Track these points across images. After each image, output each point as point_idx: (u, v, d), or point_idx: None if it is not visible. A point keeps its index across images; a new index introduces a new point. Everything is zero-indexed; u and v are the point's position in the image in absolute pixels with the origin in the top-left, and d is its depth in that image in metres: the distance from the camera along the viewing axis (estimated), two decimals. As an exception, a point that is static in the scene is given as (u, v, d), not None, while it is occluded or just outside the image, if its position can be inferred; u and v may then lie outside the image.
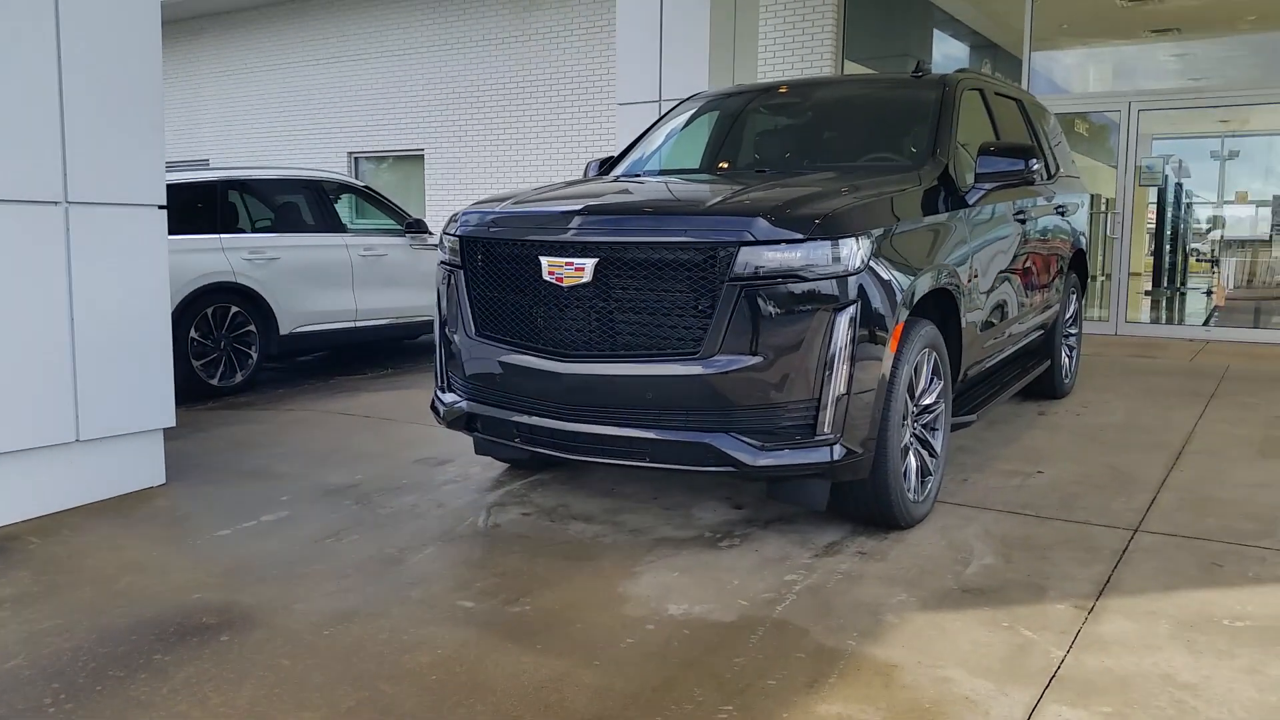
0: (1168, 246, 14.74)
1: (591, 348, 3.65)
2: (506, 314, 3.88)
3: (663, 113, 6.08)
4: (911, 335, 3.80)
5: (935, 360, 4.06)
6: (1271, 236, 12.66)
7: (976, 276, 4.52)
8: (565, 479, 4.68)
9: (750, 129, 5.44)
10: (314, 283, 7.96)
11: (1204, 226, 16.23)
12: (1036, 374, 5.81)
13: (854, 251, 3.49)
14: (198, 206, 7.70)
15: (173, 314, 7.16)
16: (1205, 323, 11.80)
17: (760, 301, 3.42)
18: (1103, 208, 11.15)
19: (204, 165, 16.65)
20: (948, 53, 13.21)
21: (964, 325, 4.33)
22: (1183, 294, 14.63)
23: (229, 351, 7.51)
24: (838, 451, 3.50)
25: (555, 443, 3.76)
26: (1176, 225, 15.07)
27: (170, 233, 7.26)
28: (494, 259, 3.91)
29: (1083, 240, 6.63)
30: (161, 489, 4.67)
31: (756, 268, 3.42)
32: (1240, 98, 10.36)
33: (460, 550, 3.79)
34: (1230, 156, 15.88)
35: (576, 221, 3.66)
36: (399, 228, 8.81)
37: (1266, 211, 13.02)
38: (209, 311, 7.38)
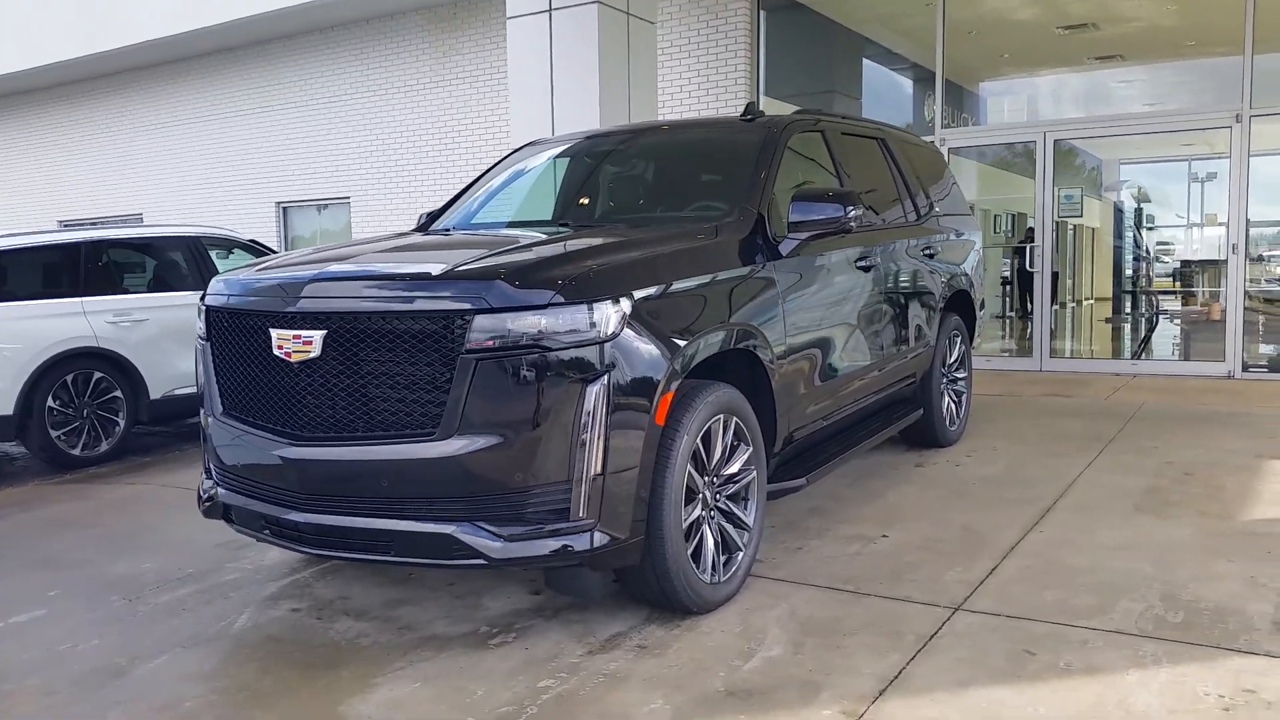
0: (1129, 272, 14.24)
1: (323, 429, 3.28)
2: (245, 392, 3.52)
3: (497, 160, 5.74)
4: (694, 403, 3.45)
5: (737, 425, 3.71)
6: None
7: (795, 333, 4.16)
8: (362, 564, 4.30)
9: (574, 179, 5.10)
10: (188, 343, 7.60)
11: (1167, 249, 15.62)
12: (901, 426, 5.45)
13: (606, 316, 3.15)
14: (60, 269, 7.39)
15: (28, 381, 6.86)
16: (1135, 356, 11.40)
17: (500, 375, 3.07)
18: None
19: (137, 221, 16.37)
20: (880, 86, 12.86)
21: (776, 387, 3.97)
22: (1126, 325, 14.11)
23: (93, 420, 7.17)
24: (598, 538, 3.15)
25: (298, 536, 3.38)
26: (1129, 254, 14.64)
27: (28, 297, 7.06)
28: (231, 332, 3.56)
29: (965, 281, 6.29)
30: (-70, 584, 4.31)
31: (495, 337, 3.07)
32: (1178, 123, 9.76)
33: (196, 658, 3.40)
34: (1209, 179, 15.33)
35: (306, 290, 3.31)
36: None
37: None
38: (69, 378, 7.05)
